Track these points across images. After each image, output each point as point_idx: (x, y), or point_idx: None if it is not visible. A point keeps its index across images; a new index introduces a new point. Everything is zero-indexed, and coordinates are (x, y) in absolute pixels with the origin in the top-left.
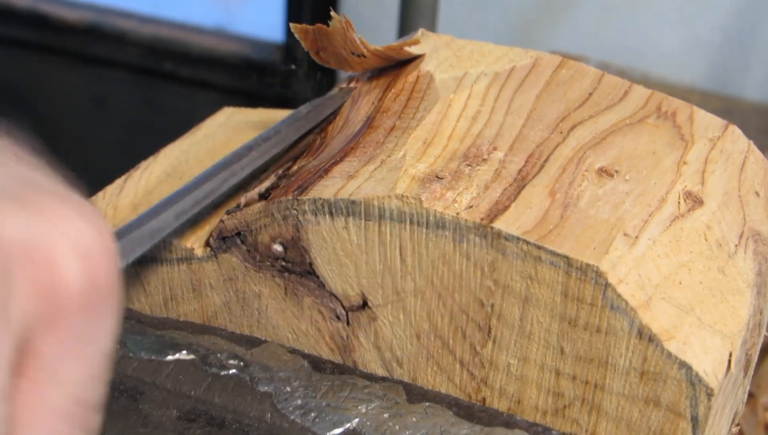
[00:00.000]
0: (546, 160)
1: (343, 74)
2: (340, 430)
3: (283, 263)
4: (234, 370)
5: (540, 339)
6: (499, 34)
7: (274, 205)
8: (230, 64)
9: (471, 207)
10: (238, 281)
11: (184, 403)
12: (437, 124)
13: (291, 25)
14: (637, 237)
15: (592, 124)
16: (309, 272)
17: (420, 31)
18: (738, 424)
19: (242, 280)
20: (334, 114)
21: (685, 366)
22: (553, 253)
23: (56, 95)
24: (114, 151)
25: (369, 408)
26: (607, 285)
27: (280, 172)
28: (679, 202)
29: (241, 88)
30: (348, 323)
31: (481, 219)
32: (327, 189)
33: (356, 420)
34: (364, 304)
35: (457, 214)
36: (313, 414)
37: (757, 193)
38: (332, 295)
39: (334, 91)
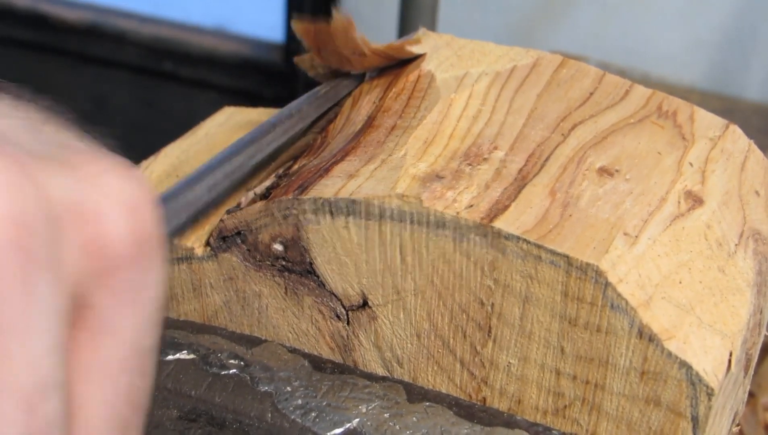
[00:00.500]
0: (546, 160)
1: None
2: (340, 429)
3: (284, 263)
4: (234, 370)
5: (540, 338)
6: (499, 34)
7: (274, 204)
8: (230, 64)
9: (471, 206)
10: (238, 281)
11: (184, 402)
12: (438, 124)
13: (293, 22)
14: (637, 236)
15: (593, 123)
16: (309, 272)
17: (421, 30)
18: (738, 424)
19: (242, 280)
20: (339, 105)
21: (685, 365)
22: (553, 253)
23: (56, 95)
24: (114, 151)
25: (369, 408)
26: (607, 284)
27: (280, 171)
28: (679, 202)
29: (241, 88)
30: (348, 323)
31: (482, 218)
32: (327, 188)
33: (356, 420)
34: (365, 304)
35: (458, 213)
36: (313, 414)
37: (757, 193)
38: (332, 294)
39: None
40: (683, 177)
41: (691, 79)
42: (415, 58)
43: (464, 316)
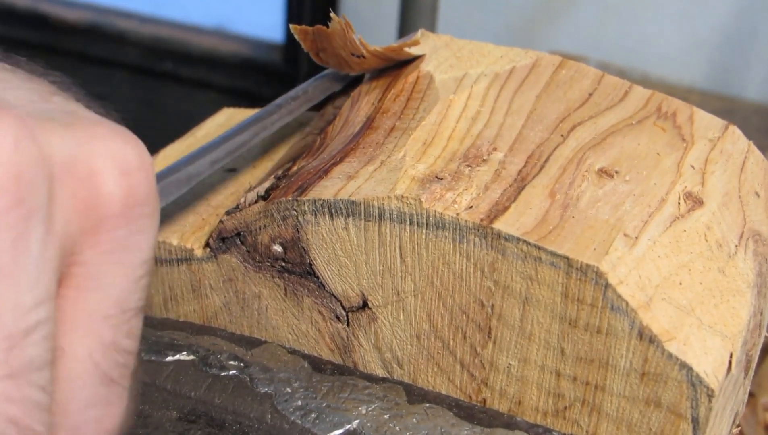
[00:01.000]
0: (546, 161)
1: None
2: (340, 431)
3: (283, 264)
4: (234, 371)
5: (540, 340)
6: (498, 34)
7: (273, 205)
8: (230, 64)
9: (471, 207)
10: (237, 282)
11: (184, 404)
12: (437, 125)
13: (291, 26)
14: (637, 238)
15: (592, 124)
16: (309, 273)
17: (420, 31)
18: (738, 425)
19: (242, 281)
20: (339, 107)
21: (685, 367)
22: (553, 254)
23: None
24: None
25: (369, 409)
26: (607, 286)
27: (279, 172)
28: (679, 203)
29: (241, 88)
30: (348, 324)
31: (481, 220)
32: (327, 189)
33: (356, 421)
34: (364, 305)
35: (457, 214)
36: (313, 415)
37: (757, 194)
38: (332, 295)
39: None
40: (683, 178)
41: (690, 79)
42: (414, 59)
43: (464, 318)
